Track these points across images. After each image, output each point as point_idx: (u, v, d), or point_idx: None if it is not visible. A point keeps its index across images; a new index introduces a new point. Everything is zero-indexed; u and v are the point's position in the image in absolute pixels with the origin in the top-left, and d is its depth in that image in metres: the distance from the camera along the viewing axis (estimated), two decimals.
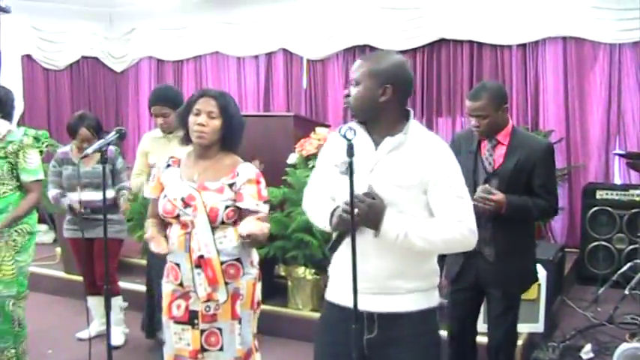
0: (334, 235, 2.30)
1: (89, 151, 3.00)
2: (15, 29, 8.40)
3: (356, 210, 2.14)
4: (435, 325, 2.41)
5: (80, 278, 5.01)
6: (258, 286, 3.01)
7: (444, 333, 3.01)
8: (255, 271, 2.98)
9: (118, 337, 4.76)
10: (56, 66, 9.34)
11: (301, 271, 4.91)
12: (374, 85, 2.29)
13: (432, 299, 2.40)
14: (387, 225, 2.19)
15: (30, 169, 3.72)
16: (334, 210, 2.31)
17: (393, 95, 2.29)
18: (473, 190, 3.12)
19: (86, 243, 4.60)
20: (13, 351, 3.80)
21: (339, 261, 2.39)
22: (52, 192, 4.64)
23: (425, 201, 2.28)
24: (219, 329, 2.88)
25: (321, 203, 2.44)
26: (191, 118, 2.87)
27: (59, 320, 5.34)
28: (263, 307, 4.76)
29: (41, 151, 3.83)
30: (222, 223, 2.84)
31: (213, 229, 2.83)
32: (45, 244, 7.13)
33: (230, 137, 2.92)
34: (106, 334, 2.99)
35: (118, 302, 4.84)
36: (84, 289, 4.83)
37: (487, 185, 3.20)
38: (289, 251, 4.86)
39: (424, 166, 2.26)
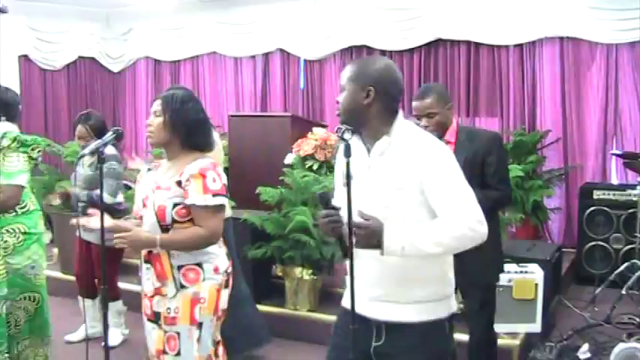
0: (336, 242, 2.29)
1: (85, 152, 2.98)
2: (12, 29, 8.39)
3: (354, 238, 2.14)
4: (443, 337, 2.34)
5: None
6: (224, 293, 2.93)
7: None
8: (220, 278, 2.89)
9: (114, 338, 4.74)
10: (53, 66, 9.34)
11: (298, 271, 4.90)
12: (357, 88, 2.28)
13: (440, 310, 2.33)
14: (388, 241, 2.13)
15: (6, 172, 3.52)
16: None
17: (376, 97, 2.28)
18: None
19: (85, 245, 4.60)
20: (7, 355, 3.71)
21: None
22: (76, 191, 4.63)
23: (424, 201, 2.23)
24: (178, 333, 2.83)
25: None
26: None
27: (56, 321, 5.28)
28: (261, 307, 4.82)
29: (31, 157, 3.69)
30: (176, 222, 2.79)
31: (165, 227, 2.79)
32: None
33: (184, 133, 2.86)
34: (104, 336, 2.98)
35: (116, 307, 4.83)
36: (78, 290, 4.82)
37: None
38: (286, 251, 4.86)
39: (414, 165, 2.22)
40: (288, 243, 4.84)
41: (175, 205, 2.78)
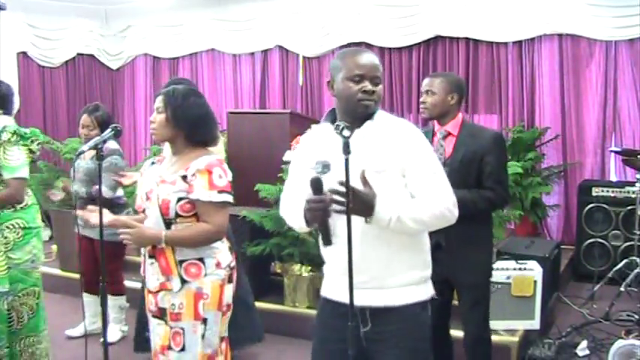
0: (319, 230, 2.30)
1: (84, 148, 2.99)
2: (10, 26, 8.37)
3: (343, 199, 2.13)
4: (426, 318, 2.42)
5: (77, 276, 4.99)
6: (228, 288, 2.93)
7: None
8: (223, 273, 2.89)
9: (113, 334, 4.74)
10: (52, 63, 9.32)
11: (297, 268, 4.91)
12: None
13: (424, 292, 2.41)
14: (380, 209, 2.18)
15: (9, 166, 3.56)
16: (306, 202, 2.27)
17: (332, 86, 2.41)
18: None
19: (87, 241, 4.60)
20: (6, 350, 3.73)
21: (331, 257, 2.42)
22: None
23: (404, 183, 2.31)
24: (183, 329, 2.83)
25: (295, 206, 2.42)
26: None
27: (55, 318, 5.30)
28: (259, 304, 4.82)
29: (31, 150, 3.72)
30: (180, 216, 2.79)
31: (169, 221, 2.80)
32: None
33: (188, 129, 2.86)
34: (102, 332, 2.98)
35: (119, 302, 4.83)
36: (80, 286, 4.82)
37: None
38: (285, 248, 4.86)
39: (396, 149, 2.29)
40: (287, 240, 4.85)
41: (180, 199, 2.78)
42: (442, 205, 2.28)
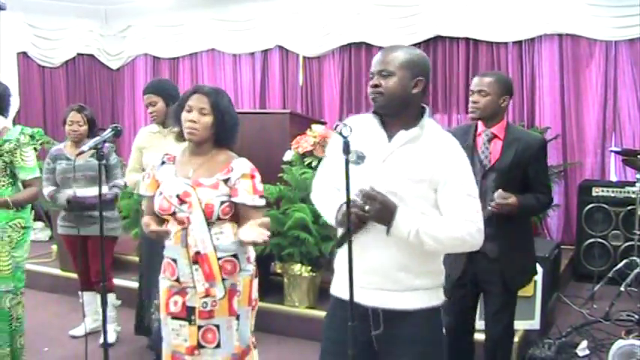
0: (339, 231, 2.30)
1: (84, 148, 2.99)
2: (10, 26, 8.37)
3: (367, 207, 2.16)
4: (439, 323, 2.40)
5: (76, 275, 4.99)
6: (255, 282, 3.00)
7: None
8: (252, 268, 2.97)
9: (109, 335, 4.74)
10: (52, 63, 9.31)
11: (297, 268, 4.91)
12: (408, 76, 2.30)
13: (437, 298, 2.40)
14: (400, 221, 2.18)
15: (28, 167, 3.74)
16: (340, 206, 2.29)
17: (423, 89, 2.33)
18: None
19: (80, 240, 4.60)
20: (8, 349, 3.78)
21: (344, 255, 2.40)
22: (48, 189, 4.63)
23: (433, 199, 2.28)
24: (217, 326, 2.87)
25: (328, 196, 2.43)
26: (184, 115, 2.88)
27: (55, 318, 5.33)
28: (260, 304, 4.81)
29: (35, 149, 3.84)
30: (219, 218, 2.83)
31: (210, 225, 2.82)
32: (41, 242, 7.14)
33: (223, 134, 2.92)
34: (102, 332, 2.99)
35: (110, 299, 4.83)
36: (79, 286, 4.83)
37: (501, 190, 3.19)
38: (285, 248, 4.86)
39: (437, 162, 2.26)
40: (287, 240, 4.84)
41: (222, 202, 2.82)
42: (465, 229, 2.24)
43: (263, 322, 4.58)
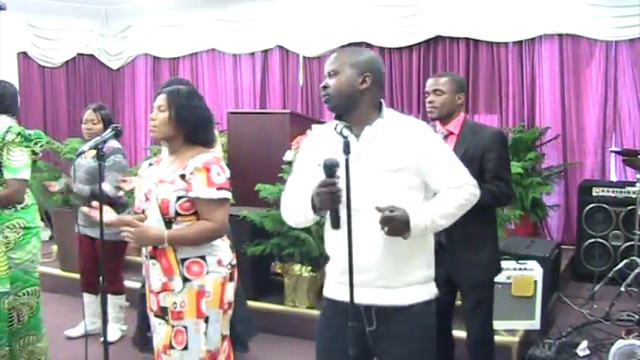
0: (328, 215, 2.29)
1: (85, 148, 3.00)
2: (11, 26, 8.36)
3: (387, 228, 2.20)
4: (431, 317, 2.43)
5: (77, 276, 4.99)
6: (230, 286, 2.94)
7: None
8: (224, 271, 2.90)
9: (113, 333, 4.75)
10: (52, 63, 9.31)
11: (297, 268, 4.91)
12: (355, 73, 2.35)
13: (428, 292, 2.43)
14: (415, 224, 2.23)
15: (12, 167, 3.57)
16: (313, 192, 2.27)
17: (372, 84, 2.36)
18: None
19: (89, 240, 4.60)
20: (7, 349, 3.75)
21: (333, 256, 2.43)
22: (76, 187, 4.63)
23: (418, 183, 2.35)
24: (185, 327, 2.84)
25: (299, 199, 2.40)
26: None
27: (55, 318, 5.32)
28: (260, 304, 4.82)
29: (34, 151, 3.72)
30: (179, 214, 2.80)
31: (169, 220, 2.81)
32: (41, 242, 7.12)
33: (189, 129, 2.90)
34: (103, 331, 2.99)
35: (119, 301, 4.83)
36: (80, 286, 4.83)
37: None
38: (285, 248, 4.86)
39: (410, 147, 2.32)
40: (287, 240, 4.85)
41: (179, 198, 2.79)
42: (465, 193, 2.38)
43: (263, 322, 4.61)
